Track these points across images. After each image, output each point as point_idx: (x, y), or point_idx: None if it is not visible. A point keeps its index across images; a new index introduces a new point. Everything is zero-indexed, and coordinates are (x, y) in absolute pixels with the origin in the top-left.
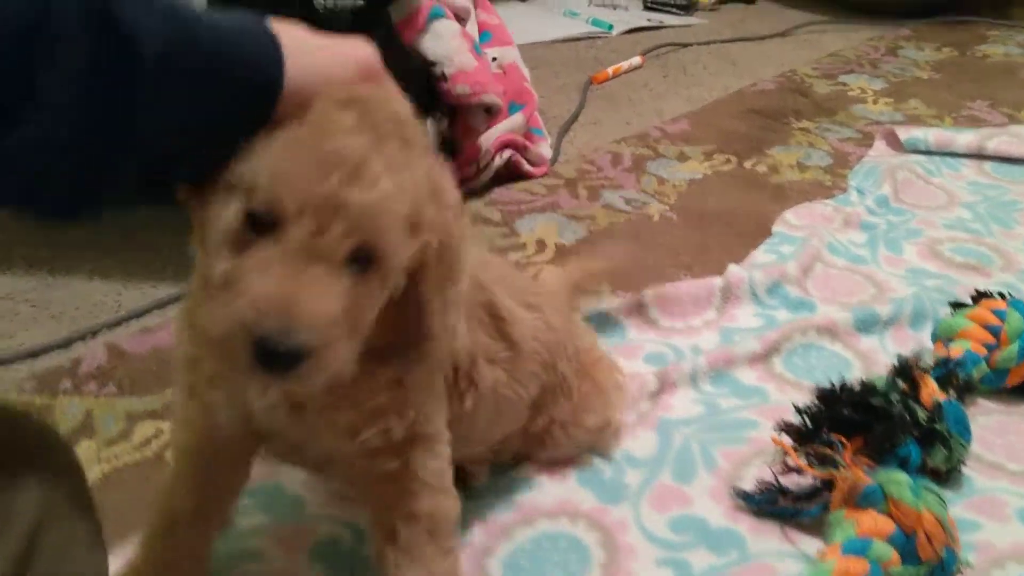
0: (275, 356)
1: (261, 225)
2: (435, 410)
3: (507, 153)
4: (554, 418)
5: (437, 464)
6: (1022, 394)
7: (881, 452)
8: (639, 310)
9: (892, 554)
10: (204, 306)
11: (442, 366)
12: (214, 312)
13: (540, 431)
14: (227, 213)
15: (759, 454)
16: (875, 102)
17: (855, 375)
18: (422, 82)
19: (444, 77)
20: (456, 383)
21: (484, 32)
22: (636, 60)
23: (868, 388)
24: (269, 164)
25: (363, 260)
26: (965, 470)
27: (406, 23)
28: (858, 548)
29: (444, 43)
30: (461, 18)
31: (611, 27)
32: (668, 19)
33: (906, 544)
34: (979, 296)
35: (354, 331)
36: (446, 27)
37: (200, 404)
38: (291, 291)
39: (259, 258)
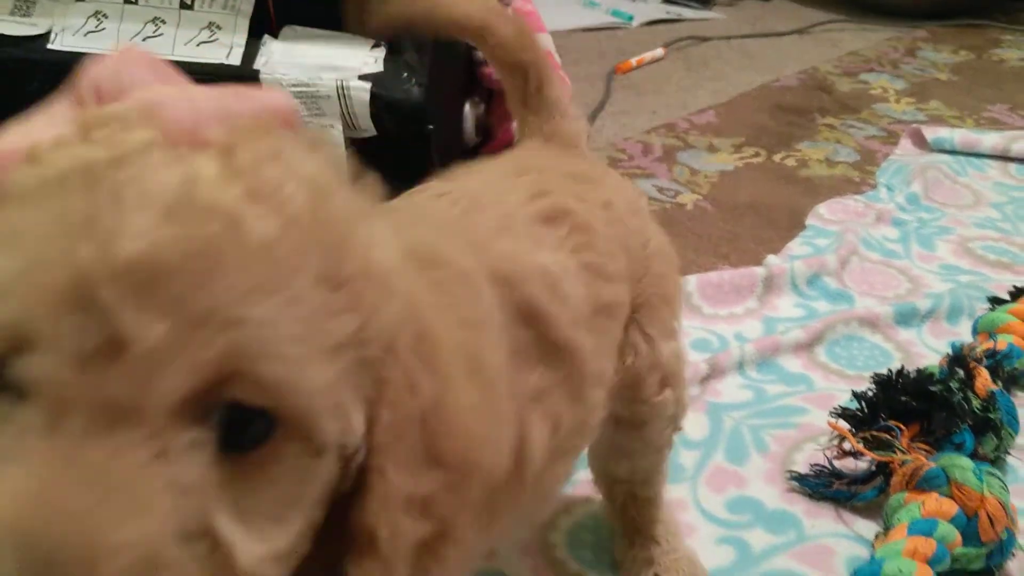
0: None
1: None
2: None
3: None
4: None
5: None
6: None
7: (938, 439)
8: (683, 297)
9: (956, 535)
10: None
11: None
12: None
13: None
14: None
15: (809, 439)
16: (897, 101)
17: (895, 365)
18: (463, 66)
19: (486, 61)
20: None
21: None
22: (659, 52)
23: (925, 376)
24: None
25: (241, 420)
26: (1009, 459)
27: None
28: (925, 528)
29: None
30: (504, 3)
31: (631, 18)
32: (687, 12)
33: (967, 526)
34: (1018, 292)
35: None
36: None
37: None
38: (59, 499)
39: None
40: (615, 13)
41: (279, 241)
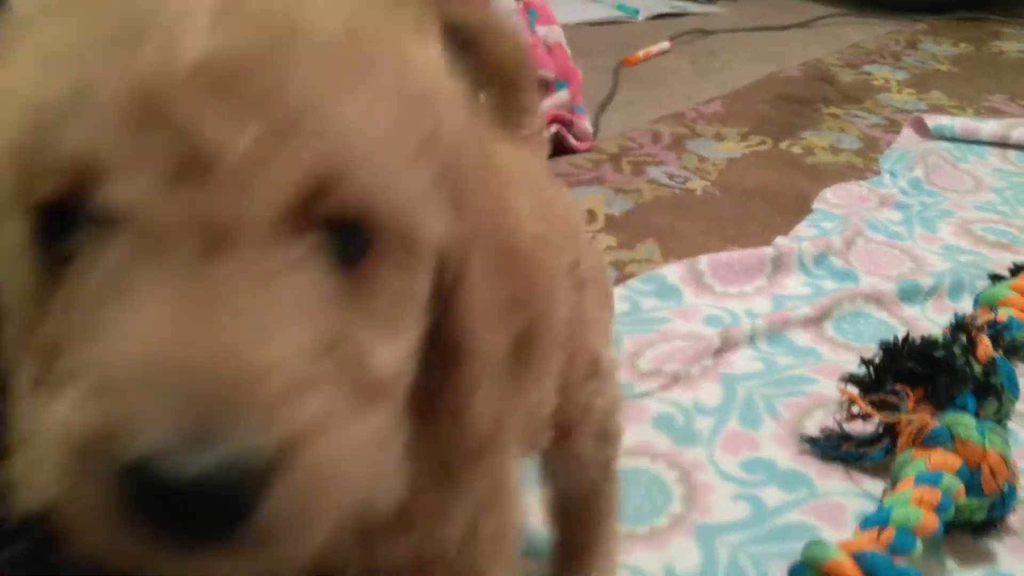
0: (202, 498)
1: (72, 227)
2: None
3: (554, 128)
4: None
5: None
6: None
7: (942, 401)
8: (695, 276)
9: (959, 486)
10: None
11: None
12: (31, 441)
13: None
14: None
15: (818, 406)
16: (899, 92)
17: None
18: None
19: None
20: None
21: (530, 10)
22: (665, 44)
23: (930, 343)
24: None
25: (343, 230)
26: (1010, 424)
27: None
28: (930, 479)
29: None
30: None
31: (636, 12)
32: (691, 7)
33: (971, 478)
34: (1018, 268)
35: (365, 385)
36: (506, 4)
37: None
38: (197, 328)
39: (96, 283)
40: (621, 8)
41: (345, 45)
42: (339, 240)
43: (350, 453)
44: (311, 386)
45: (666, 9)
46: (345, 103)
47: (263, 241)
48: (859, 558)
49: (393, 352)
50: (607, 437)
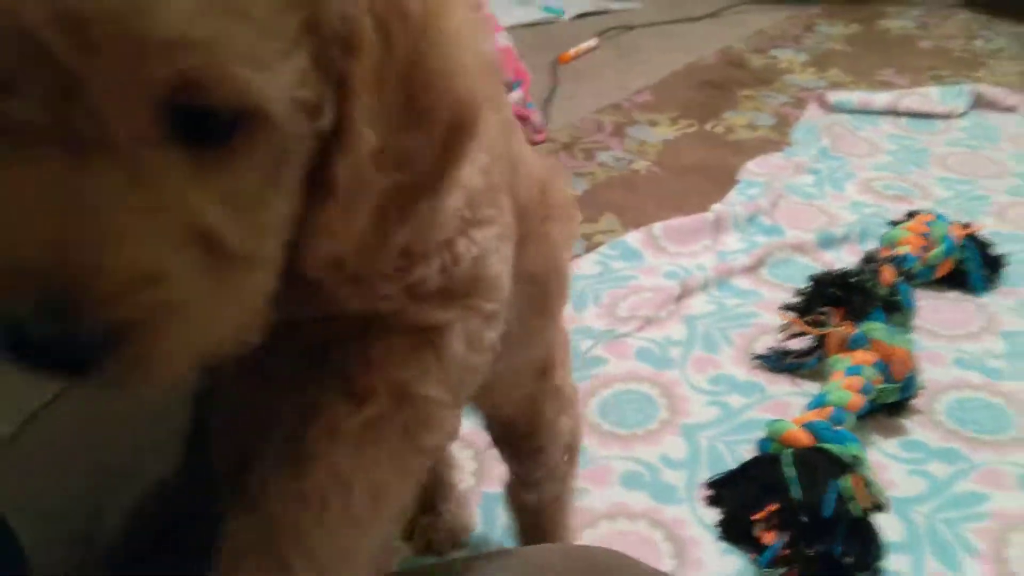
0: (50, 356)
1: None
2: None
3: None
4: None
5: None
6: (946, 284)
7: (859, 317)
8: (652, 240)
9: (877, 375)
10: None
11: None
12: None
13: None
14: None
15: (763, 333)
16: (802, 72)
17: None
18: None
19: None
20: None
21: None
22: (593, 42)
23: (847, 273)
24: None
25: (208, 119)
26: (911, 336)
27: None
28: (855, 371)
29: None
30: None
31: (562, 12)
32: (612, 4)
33: (884, 369)
34: (911, 215)
35: (228, 259)
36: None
37: None
38: (53, 222)
39: None
40: (547, 9)
41: None
42: (205, 127)
43: (202, 320)
44: (160, 275)
45: (589, 7)
46: (208, 23)
47: (124, 151)
48: (808, 426)
49: (254, 229)
50: (572, 452)
